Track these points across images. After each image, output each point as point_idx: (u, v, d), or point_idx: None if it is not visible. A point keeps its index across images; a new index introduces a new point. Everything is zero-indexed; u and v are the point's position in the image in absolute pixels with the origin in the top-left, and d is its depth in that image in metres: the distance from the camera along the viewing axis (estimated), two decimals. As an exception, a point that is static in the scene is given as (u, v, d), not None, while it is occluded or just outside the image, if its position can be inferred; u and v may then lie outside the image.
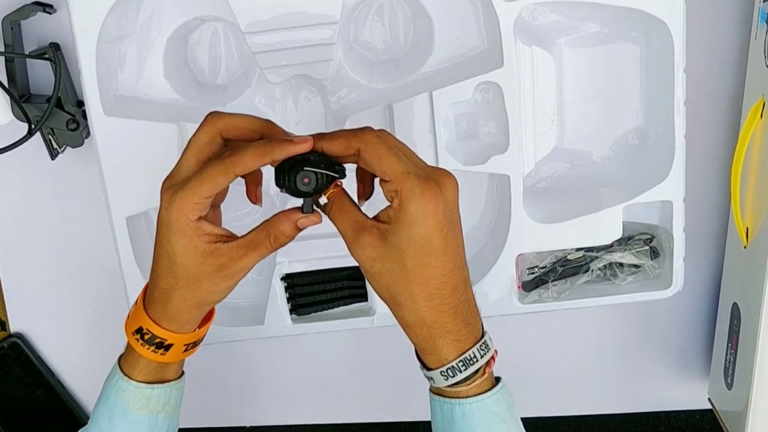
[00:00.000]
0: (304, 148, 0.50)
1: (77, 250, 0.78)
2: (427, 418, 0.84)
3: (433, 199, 0.48)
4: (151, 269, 0.54)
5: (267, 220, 0.52)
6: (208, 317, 0.58)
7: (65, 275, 0.79)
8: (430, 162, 0.67)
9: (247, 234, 0.53)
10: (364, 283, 0.73)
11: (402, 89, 0.68)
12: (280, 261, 0.72)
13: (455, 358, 0.51)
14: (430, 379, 0.53)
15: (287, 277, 0.73)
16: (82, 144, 0.71)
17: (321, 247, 0.71)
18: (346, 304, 0.74)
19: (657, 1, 0.64)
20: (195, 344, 0.57)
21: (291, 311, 0.73)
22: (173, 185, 0.51)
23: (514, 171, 0.68)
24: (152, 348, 0.55)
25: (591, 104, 0.71)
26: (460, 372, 0.51)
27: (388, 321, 0.72)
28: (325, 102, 0.71)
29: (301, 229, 0.52)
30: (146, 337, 0.54)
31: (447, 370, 0.51)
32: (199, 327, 0.57)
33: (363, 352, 0.82)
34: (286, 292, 0.73)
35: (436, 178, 0.49)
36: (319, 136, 0.51)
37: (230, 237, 0.53)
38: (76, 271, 0.79)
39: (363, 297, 0.74)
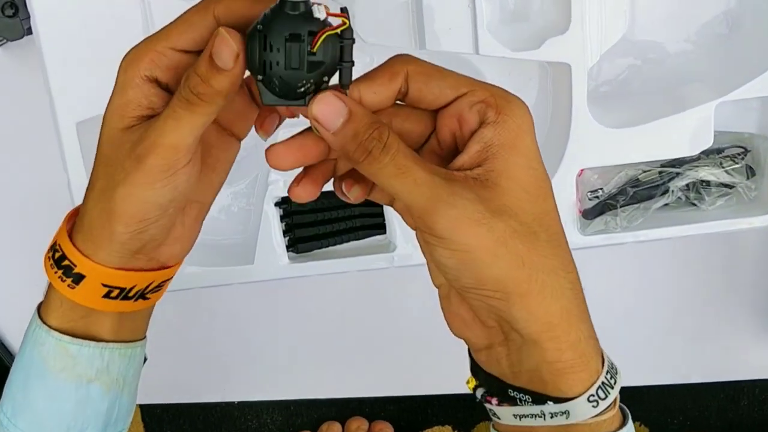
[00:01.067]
0: None
1: (22, 173, 0.70)
2: (454, 392, 0.72)
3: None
4: None
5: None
6: (165, 267, 0.42)
7: (9, 207, 0.71)
8: (469, 48, 0.56)
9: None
10: (381, 209, 0.63)
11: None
12: (273, 180, 0.62)
13: (603, 369, 0.36)
14: (562, 414, 0.35)
15: (283, 203, 0.63)
16: (22, 37, 0.62)
17: (327, 162, 0.59)
18: (359, 239, 0.64)
19: None
20: (126, 293, 0.41)
21: (288, 247, 0.63)
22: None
23: (575, 58, 0.57)
24: (60, 272, 0.40)
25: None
26: (611, 388, 0.36)
27: (411, 259, 0.60)
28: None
29: (238, 72, 0.34)
30: (57, 255, 0.41)
31: (598, 390, 0.35)
32: (138, 270, 0.41)
33: (379, 301, 0.73)
34: (281, 222, 0.63)
35: None
36: (353, 83, 0.37)
37: None
38: (23, 201, 0.70)
39: (380, 228, 0.64)
